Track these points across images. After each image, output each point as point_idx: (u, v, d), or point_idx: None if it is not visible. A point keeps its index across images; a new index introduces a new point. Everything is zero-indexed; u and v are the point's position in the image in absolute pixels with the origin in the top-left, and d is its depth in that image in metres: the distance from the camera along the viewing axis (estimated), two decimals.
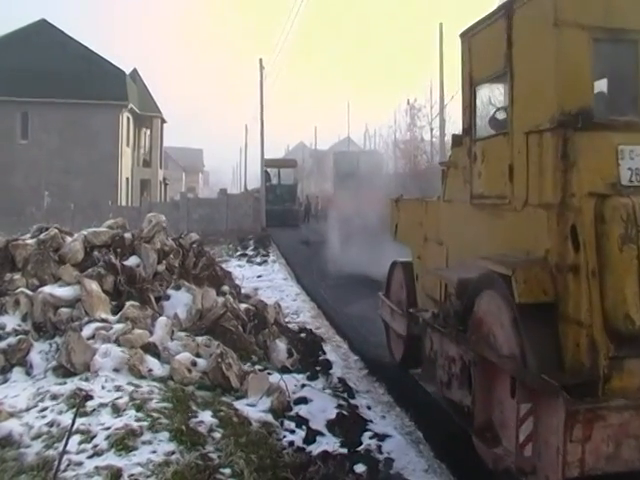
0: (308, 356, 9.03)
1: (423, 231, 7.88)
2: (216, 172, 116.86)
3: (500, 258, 5.35)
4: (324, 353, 9.35)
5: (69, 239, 9.41)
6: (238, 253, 25.01)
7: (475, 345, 5.55)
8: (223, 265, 15.73)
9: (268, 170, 41.91)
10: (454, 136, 7.13)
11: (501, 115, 6.08)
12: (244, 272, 18.15)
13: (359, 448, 6.17)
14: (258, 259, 22.93)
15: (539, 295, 4.83)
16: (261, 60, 40.06)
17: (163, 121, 53.30)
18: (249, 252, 24.96)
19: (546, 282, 4.85)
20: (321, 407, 7.03)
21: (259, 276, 18.48)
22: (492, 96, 6.75)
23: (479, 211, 6.12)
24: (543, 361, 4.75)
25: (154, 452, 5.43)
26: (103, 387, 6.58)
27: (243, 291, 11.87)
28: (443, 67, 29.14)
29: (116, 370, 7.04)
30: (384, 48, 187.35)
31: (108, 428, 5.69)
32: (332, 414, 6.86)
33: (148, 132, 52.91)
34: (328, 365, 8.74)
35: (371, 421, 6.90)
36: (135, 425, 5.76)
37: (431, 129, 34.63)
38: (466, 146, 6.44)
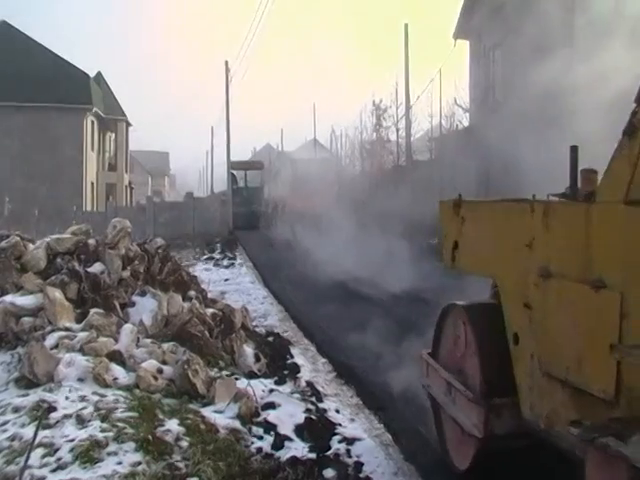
0: (276, 360, 8.98)
1: (536, 258, 4.40)
2: (183, 175, 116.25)
3: None
4: (292, 357, 9.30)
5: (31, 246, 9.27)
6: (205, 257, 24.90)
7: None
8: (190, 269, 15.66)
9: (235, 172, 41.76)
10: None
11: None
12: (211, 276, 18.05)
13: (328, 452, 6.11)
14: (225, 262, 22.82)
15: None
16: (227, 62, 39.91)
17: (128, 124, 52.91)
18: (216, 255, 24.85)
19: None
20: (289, 412, 6.97)
21: (226, 280, 18.39)
22: None
23: None
24: None
25: (120, 463, 5.32)
26: (67, 398, 6.44)
27: (210, 295, 11.79)
28: (409, 68, 29.26)
29: (80, 380, 6.91)
30: (350, 49, 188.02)
31: (72, 440, 5.56)
32: (300, 419, 6.80)
33: (113, 136, 52.55)
34: (296, 369, 8.69)
35: (340, 424, 6.84)
36: (100, 436, 5.65)
37: (397, 130, 34.69)
38: None
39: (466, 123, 26.70)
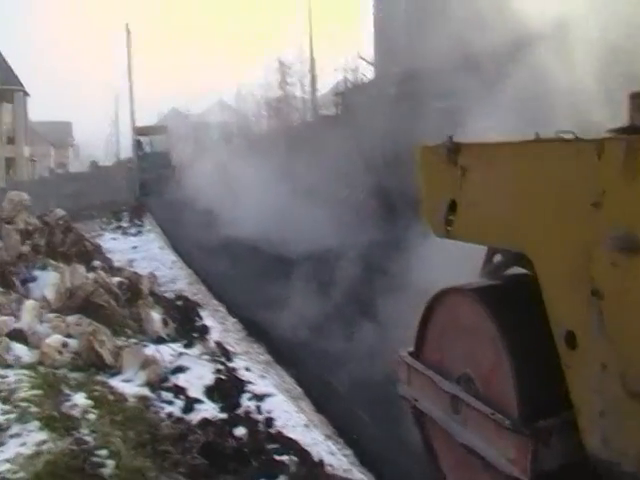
0: (185, 324, 8.92)
1: (610, 224, 2.87)
2: (88, 146, 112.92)
3: None
4: (201, 319, 9.26)
5: None
6: (113, 226, 24.35)
7: None
8: (98, 239, 15.38)
9: (140, 139, 40.89)
10: None
11: None
12: (119, 245, 17.77)
13: (238, 411, 6.16)
14: (133, 230, 22.45)
15: None
16: (127, 25, 38.79)
17: (26, 94, 50.91)
18: (124, 224, 24.37)
19: None
20: (199, 374, 6.96)
21: (134, 247, 18.05)
22: None
23: None
24: None
25: (24, 445, 5.15)
26: None
27: (117, 264, 11.64)
28: (312, 24, 29.16)
29: None
30: (254, 6, 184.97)
31: None
32: (210, 380, 6.81)
33: (10, 107, 50.48)
34: (205, 330, 8.67)
35: (250, 382, 6.89)
36: (1, 419, 5.49)
37: (302, 86, 34.55)
38: None
39: (371, 76, 26.64)
